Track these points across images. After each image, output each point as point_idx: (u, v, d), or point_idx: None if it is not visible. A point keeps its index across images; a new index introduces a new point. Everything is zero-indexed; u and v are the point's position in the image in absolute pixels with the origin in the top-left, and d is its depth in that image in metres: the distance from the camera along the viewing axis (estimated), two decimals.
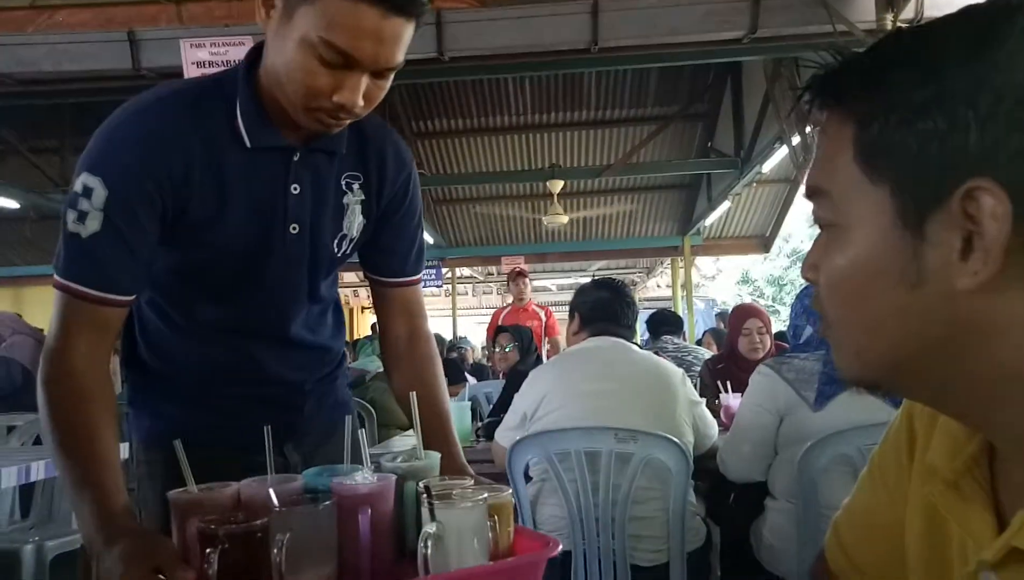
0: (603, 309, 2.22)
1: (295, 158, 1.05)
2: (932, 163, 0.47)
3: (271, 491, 0.81)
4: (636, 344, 2.29)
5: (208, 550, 0.74)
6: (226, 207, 1.02)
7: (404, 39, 0.93)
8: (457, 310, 11.95)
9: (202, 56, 3.74)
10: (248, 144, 1.01)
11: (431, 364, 1.22)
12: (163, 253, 1.03)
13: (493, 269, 13.09)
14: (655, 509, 1.93)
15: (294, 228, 1.07)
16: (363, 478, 0.86)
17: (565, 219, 8.27)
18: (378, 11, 0.89)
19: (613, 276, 15.95)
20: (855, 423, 1.82)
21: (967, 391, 0.50)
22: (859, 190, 0.50)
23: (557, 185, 7.55)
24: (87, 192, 0.94)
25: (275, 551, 0.73)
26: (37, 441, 3.14)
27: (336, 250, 1.13)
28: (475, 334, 13.47)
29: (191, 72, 3.72)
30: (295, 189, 1.05)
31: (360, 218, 1.13)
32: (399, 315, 1.23)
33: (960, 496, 0.54)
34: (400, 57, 0.94)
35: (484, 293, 16.98)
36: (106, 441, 0.92)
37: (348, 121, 0.99)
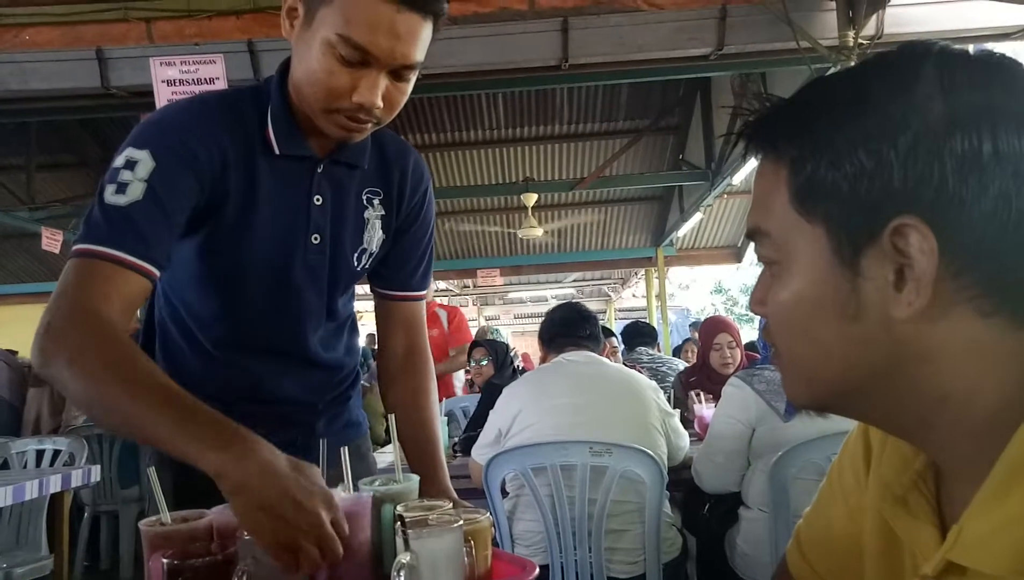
0: (559, 327, 2.28)
1: (319, 170, 1.07)
2: (861, 202, 0.49)
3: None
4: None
5: None
6: (255, 212, 1.04)
7: (420, 37, 0.96)
8: None
9: (172, 74, 3.72)
10: (277, 151, 1.03)
11: (427, 383, 1.23)
12: (192, 260, 1.04)
13: (469, 282, 13.09)
14: (631, 521, 1.95)
15: (316, 238, 1.08)
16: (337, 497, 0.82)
17: (540, 232, 8.31)
18: (393, 5, 0.92)
19: (587, 287, 15.98)
20: (824, 432, 1.86)
21: (907, 414, 0.52)
22: (796, 230, 0.52)
23: (531, 198, 7.60)
24: (130, 164, 0.94)
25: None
26: (4, 465, 3.08)
27: (356, 264, 1.14)
28: None
29: (161, 90, 3.70)
30: (318, 200, 1.07)
31: (380, 233, 1.15)
32: (400, 330, 1.23)
33: (907, 510, 0.55)
34: (417, 55, 0.96)
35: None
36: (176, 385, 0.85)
37: (369, 126, 1.00)
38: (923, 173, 0.47)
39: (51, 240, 6.72)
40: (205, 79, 3.70)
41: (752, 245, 0.59)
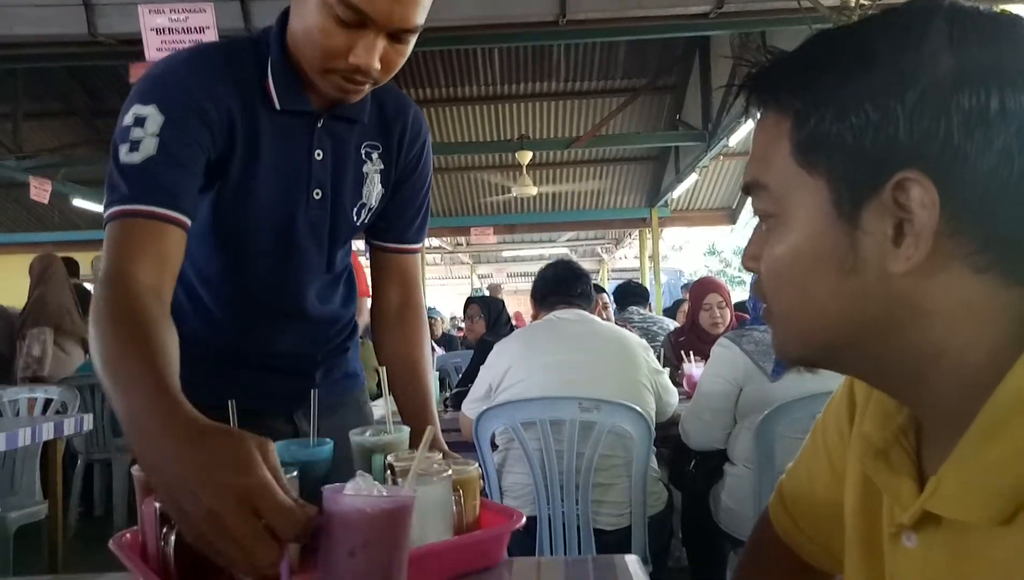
0: (551, 284, 2.29)
1: (319, 125, 1.06)
2: (865, 156, 0.49)
3: None
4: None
5: (165, 528, 0.75)
6: (257, 168, 1.03)
7: (420, 0, 0.94)
8: (427, 280, 11.93)
9: (161, 23, 3.63)
10: (277, 106, 1.02)
11: (420, 336, 1.24)
12: (199, 218, 1.03)
13: (463, 240, 13.05)
14: (617, 475, 1.99)
15: (317, 193, 1.08)
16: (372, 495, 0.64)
17: (534, 190, 8.26)
18: None
19: (581, 246, 15.93)
20: (810, 392, 1.89)
21: (897, 369, 0.53)
22: (796, 183, 0.52)
23: (526, 156, 7.53)
24: (139, 121, 0.93)
25: None
26: None
27: (355, 219, 1.14)
28: (445, 304, 13.46)
29: (150, 39, 3.62)
30: (318, 155, 1.07)
31: (379, 187, 1.15)
32: (395, 283, 1.24)
33: (888, 464, 0.57)
34: (417, 18, 0.94)
35: (454, 263, 16.94)
36: (171, 355, 0.80)
37: (366, 87, 1.00)
38: (929, 127, 0.47)
39: (39, 190, 6.64)
40: (195, 28, 3.62)
41: (748, 201, 0.59)
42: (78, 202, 8.03)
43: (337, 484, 0.64)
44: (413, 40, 0.98)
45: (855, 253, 0.50)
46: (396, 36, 0.95)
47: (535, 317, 2.34)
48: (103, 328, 0.81)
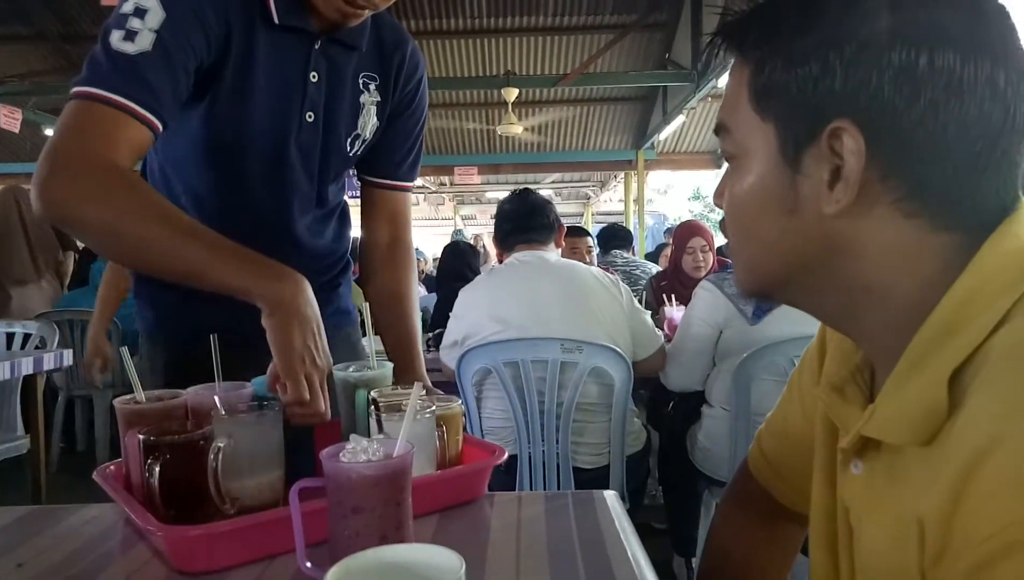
0: (510, 221, 2.22)
1: (316, 46, 1.05)
2: (807, 104, 0.53)
3: (216, 398, 0.82)
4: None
5: (149, 460, 0.76)
6: (251, 82, 1.02)
7: None
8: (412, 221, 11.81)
9: None
10: (276, 20, 1.01)
11: (408, 274, 1.23)
12: (191, 130, 1.03)
13: (446, 180, 12.91)
14: (597, 416, 2.02)
15: (309, 116, 1.07)
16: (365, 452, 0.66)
17: (519, 129, 8.15)
18: None
19: (566, 189, 15.77)
20: (788, 335, 1.92)
21: (835, 304, 0.58)
22: (753, 127, 0.57)
23: (512, 93, 7.39)
24: (140, 12, 0.90)
25: (211, 457, 0.75)
26: None
27: (348, 149, 1.13)
28: (428, 245, 13.40)
29: None
30: (314, 77, 1.06)
31: (375, 120, 1.14)
32: (384, 221, 1.23)
33: (843, 398, 0.61)
34: None
35: (438, 204, 16.80)
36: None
37: (366, 10, 1.00)
38: (862, 80, 0.51)
39: (9, 118, 6.45)
40: None
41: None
42: (50, 131, 7.79)
43: (334, 446, 0.65)
44: None
45: (795, 194, 0.55)
46: None
47: (500, 259, 2.30)
48: (131, 197, 0.86)
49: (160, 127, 0.91)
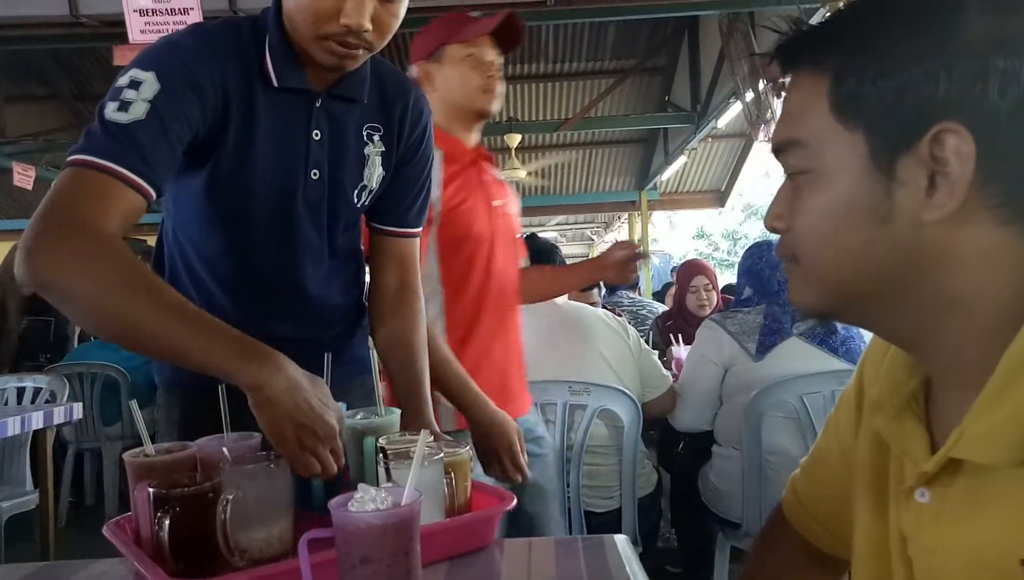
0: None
1: (317, 104, 1.06)
2: (905, 111, 0.53)
3: (224, 450, 0.83)
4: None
5: (159, 513, 0.76)
6: (254, 146, 1.03)
7: None
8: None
9: (144, 3, 3.57)
10: (275, 83, 1.02)
11: (417, 319, 1.23)
12: (198, 196, 1.04)
13: None
14: (607, 458, 2.00)
15: (315, 173, 1.08)
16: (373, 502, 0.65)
17: (523, 173, 8.23)
18: None
19: (570, 230, 15.76)
20: (793, 372, 1.92)
21: (916, 317, 0.56)
22: (834, 138, 0.56)
23: (515, 139, 7.49)
24: (135, 84, 0.92)
25: (220, 509, 0.75)
26: None
27: (355, 201, 1.13)
28: None
29: (133, 20, 3.56)
30: (316, 135, 1.07)
31: (380, 170, 1.14)
32: (392, 267, 1.23)
33: (899, 425, 0.61)
34: None
35: None
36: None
37: (361, 53, 1.00)
38: (967, 85, 0.51)
39: (23, 176, 6.56)
40: (179, 9, 3.56)
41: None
42: None
43: (342, 496, 0.65)
44: (403, 2, 0.99)
45: (890, 203, 0.54)
46: None
47: None
48: (117, 269, 0.84)
49: (152, 193, 0.92)
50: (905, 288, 0.55)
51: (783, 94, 0.61)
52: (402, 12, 1.00)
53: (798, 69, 0.59)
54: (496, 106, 1.55)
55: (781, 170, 0.62)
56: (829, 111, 0.56)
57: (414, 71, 1.57)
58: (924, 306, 0.55)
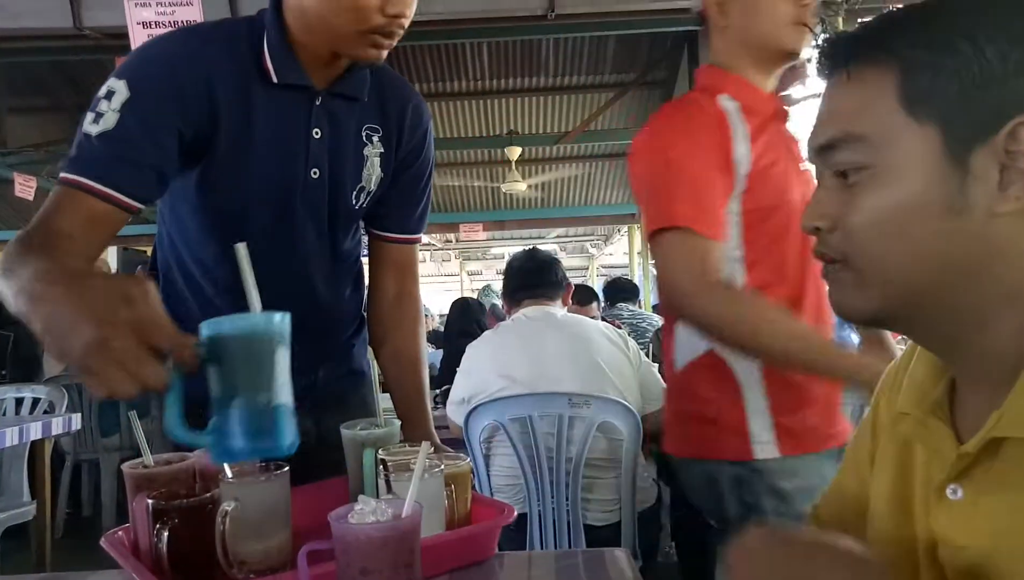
0: (517, 278, 2.26)
1: (317, 102, 1.06)
2: (985, 105, 0.54)
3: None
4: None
5: (158, 525, 0.75)
6: (251, 145, 1.03)
7: None
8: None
9: (148, 16, 3.60)
10: (274, 80, 1.02)
11: (416, 327, 1.22)
12: (193, 197, 1.04)
13: (452, 236, 13.03)
14: (607, 471, 1.99)
15: (314, 172, 1.07)
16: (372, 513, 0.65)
17: (523, 186, 8.25)
18: None
19: (570, 243, 15.83)
20: None
21: (967, 314, 0.57)
22: (903, 131, 0.56)
23: (515, 152, 7.52)
24: (109, 94, 0.94)
25: (219, 520, 0.74)
26: None
27: (354, 202, 1.13)
28: (434, 301, 13.43)
29: (136, 32, 3.59)
30: (316, 133, 1.07)
31: (379, 171, 1.14)
32: (392, 273, 1.23)
33: (926, 428, 0.62)
34: None
35: (443, 261, 16.90)
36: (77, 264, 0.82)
37: (396, 40, 1.01)
38: None
39: (24, 186, 6.57)
40: (182, 21, 3.59)
41: (825, 157, 0.60)
42: None
43: (342, 507, 0.65)
44: None
45: (963, 196, 0.54)
46: None
47: (508, 313, 2.33)
48: (13, 253, 0.81)
49: (126, 201, 0.93)
50: (968, 284, 0.55)
51: (829, 90, 0.60)
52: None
53: (859, 63, 0.58)
54: (805, 46, 1.26)
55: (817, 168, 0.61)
56: (898, 105, 0.56)
57: (697, 2, 1.35)
58: (980, 302, 0.56)
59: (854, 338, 2.07)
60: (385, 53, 1.01)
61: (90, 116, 0.94)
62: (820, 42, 0.61)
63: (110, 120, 0.93)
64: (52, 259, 0.79)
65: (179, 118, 0.97)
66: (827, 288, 0.63)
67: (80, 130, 0.94)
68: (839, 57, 0.60)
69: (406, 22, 0.99)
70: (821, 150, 0.60)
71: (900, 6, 0.60)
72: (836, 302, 0.62)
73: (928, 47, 0.55)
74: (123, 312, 0.64)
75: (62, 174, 0.93)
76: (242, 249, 0.75)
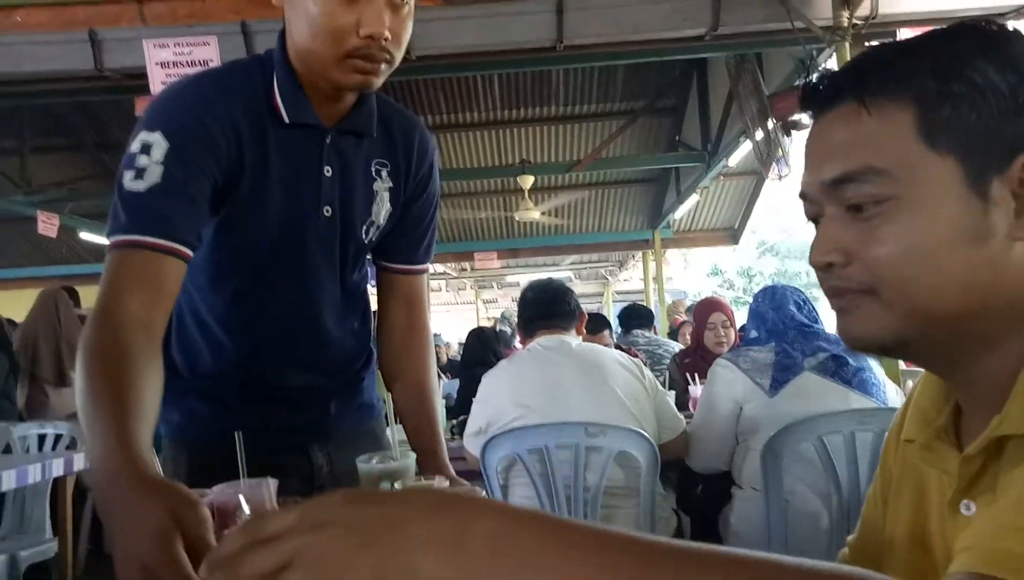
0: (531, 309, 2.28)
1: (327, 140, 1.07)
2: (999, 137, 0.56)
3: (241, 497, 0.83)
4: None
5: None
6: (267, 186, 1.04)
7: None
8: (431, 306, 11.93)
9: (166, 56, 3.69)
10: (286, 120, 1.03)
11: (426, 358, 1.22)
12: (207, 240, 1.04)
13: (467, 265, 13.08)
14: (625, 502, 1.98)
15: (327, 210, 1.08)
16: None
17: (536, 214, 8.30)
18: None
19: (584, 269, 15.87)
20: (809, 410, 1.91)
21: (980, 337, 0.58)
22: (924, 163, 0.57)
23: (528, 180, 7.58)
24: (145, 148, 0.94)
25: None
26: (7, 450, 3.10)
27: (364, 237, 1.14)
28: (450, 330, 13.45)
29: (155, 73, 3.68)
30: (328, 171, 1.07)
31: (388, 206, 1.15)
32: (401, 303, 1.23)
33: (933, 452, 0.64)
34: None
35: (459, 289, 16.96)
36: (143, 398, 0.82)
37: (383, 67, 1.00)
38: None
39: (47, 224, 6.71)
40: (199, 61, 3.68)
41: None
42: (85, 235, 8.10)
43: None
44: (412, 5, 1.00)
45: (987, 224, 0.56)
46: (394, 4, 0.97)
47: (523, 343, 2.33)
48: (84, 365, 0.84)
49: (186, 251, 0.94)
50: (985, 308, 0.57)
51: (834, 123, 0.60)
52: (410, 22, 1.01)
53: (873, 96, 0.59)
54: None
55: (822, 205, 0.61)
56: (916, 137, 0.57)
57: None
58: (994, 325, 0.57)
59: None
60: (375, 79, 1.00)
61: (130, 173, 0.93)
62: (817, 76, 0.62)
63: (155, 173, 0.92)
64: (123, 404, 0.79)
65: (214, 164, 0.98)
66: (837, 319, 0.63)
67: (122, 190, 0.93)
68: (847, 90, 0.60)
69: (394, 48, 0.98)
70: (834, 184, 0.60)
71: (910, 36, 0.61)
72: (850, 332, 0.61)
73: (944, 79, 0.56)
74: (147, 555, 0.65)
75: (117, 238, 0.92)
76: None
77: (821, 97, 0.62)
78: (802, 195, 0.64)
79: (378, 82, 1.01)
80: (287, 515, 0.44)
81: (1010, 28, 0.59)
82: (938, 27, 0.61)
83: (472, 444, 2.15)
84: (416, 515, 0.42)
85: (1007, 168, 0.55)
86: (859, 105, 0.59)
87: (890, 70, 0.59)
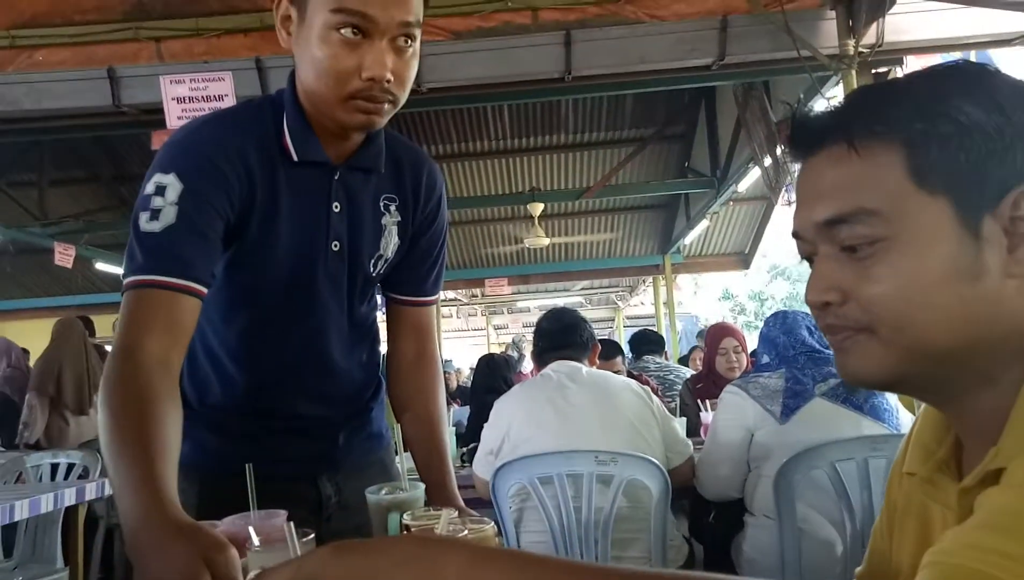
0: (543, 339, 2.30)
1: (336, 177, 1.09)
2: (991, 176, 0.57)
3: (251, 529, 0.84)
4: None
5: None
6: (277, 223, 1.06)
7: None
8: (443, 333, 11.94)
9: (182, 92, 3.77)
10: (295, 158, 1.05)
11: (435, 388, 1.23)
12: (220, 278, 1.05)
13: (477, 291, 13.11)
14: (637, 530, 1.97)
15: (335, 245, 1.10)
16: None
17: (546, 241, 8.34)
18: None
19: (595, 295, 15.83)
20: (820, 436, 1.90)
21: (979, 371, 0.59)
22: (915, 203, 0.58)
23: (538, 208, 7.63)
24: (160, 190, 0.96)
25: None
26: (18, 479, 3.12)
27: (371, 270, 1.16)
28: (461, 356, 13.44)
29: (171, 108, 3.76)
30: (336, 207, 1.09)
31: (396, 240, 1.16)
32: (410, 335, 1.24)
33: (934, 486, 0.65)
34: (412, 14, 0.98)
35: (469, 315, 16.97)
36: (167, 438, 0.85)
37: (387, 107, 1.00)
38: None
39: (63, 255, 6.80)
40: (214, 96, 3.76)
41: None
42: (101, 266, 8.21)
43: None
44: (416, 45, 1.01)
45: (980, 261, 0.57)
46: (399, 45, 0.98)
47: (536, 370, 2.35)
48: (107, 405, 0.86)
49: (202, 289, 0.96)
50: (983, 343, 0.57)
51: (822, 164, 0.61)
52: (415, 63, 1.02)
53: (863, 139, 0.59)
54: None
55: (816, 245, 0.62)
56: (906, 177, 0.57)
57: None
58: (992, 360, 0.58)
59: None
60: (378, 119, 1.01)
61: (145, 215, 0.95)
62: (802, 117, 0.62)
63: (170, 214, 0.94)
64: (147, 445, 0.81)
65: (227, 203, 1.00)
66: (835, 356, 0.64)
67: (138, 231, 0.95)
68: (834, 131, 0.60)
69: (393, 88, 0.99)
70: (827, 225, 0.60)
71: (896, 77, 0.63)
72: (849, 369, 0.62)
73: (931, 121, 0.57)
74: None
75: (134, 278, 0.93)
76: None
77: (807, 140, 0.63)
78: (795, 234, 0.65)
79: (382, 121, 1.03)
80: (284, 571, 0.51)
81: (993, 69, 0.60)
82: (927, 66, 0.62)
83: (481, 466, 2.15)
84: (392, 566, 0.49)
85: (997, 206, 0.56)
86: (848, 147, 0.60)
87: (876, 112, 0.59)
